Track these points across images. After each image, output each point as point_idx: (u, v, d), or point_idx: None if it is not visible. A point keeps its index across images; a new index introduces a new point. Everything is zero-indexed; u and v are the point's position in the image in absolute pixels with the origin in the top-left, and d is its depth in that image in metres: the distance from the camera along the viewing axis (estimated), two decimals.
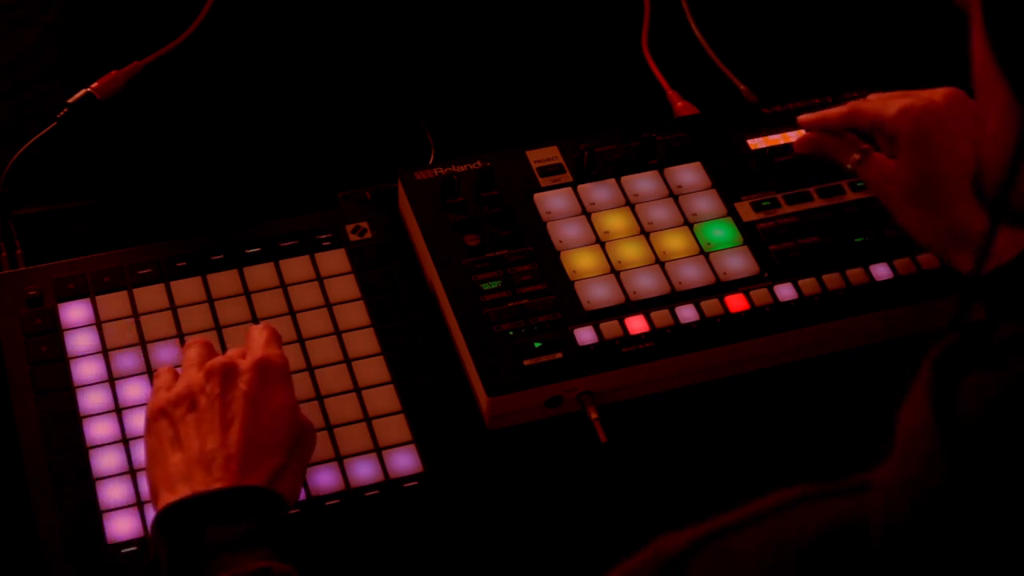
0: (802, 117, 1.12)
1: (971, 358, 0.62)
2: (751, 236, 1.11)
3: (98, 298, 1.07)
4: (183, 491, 0.88)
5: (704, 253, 1.10)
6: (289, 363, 0.96)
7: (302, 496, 0.98)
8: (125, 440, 1.00)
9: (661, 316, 1.06)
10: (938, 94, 1.04)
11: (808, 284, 1.08)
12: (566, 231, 1.10)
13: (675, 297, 1.07)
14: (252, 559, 0.84)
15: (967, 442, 0.59)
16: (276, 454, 0.91)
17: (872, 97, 1.07)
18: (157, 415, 0.93)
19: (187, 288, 1.08)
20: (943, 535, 0.59)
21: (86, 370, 1.04)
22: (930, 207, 1.02)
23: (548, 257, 1.08)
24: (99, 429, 1.01)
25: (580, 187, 1.13)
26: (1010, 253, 0.94)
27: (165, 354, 1.05)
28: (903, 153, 1.02)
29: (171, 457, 0.90)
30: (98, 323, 1.06)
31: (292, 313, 1.08)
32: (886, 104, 1.05)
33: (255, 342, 0.96)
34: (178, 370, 0.97)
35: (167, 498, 0.88)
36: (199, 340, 0.98)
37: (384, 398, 1.04)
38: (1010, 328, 0.63)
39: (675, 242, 1.10)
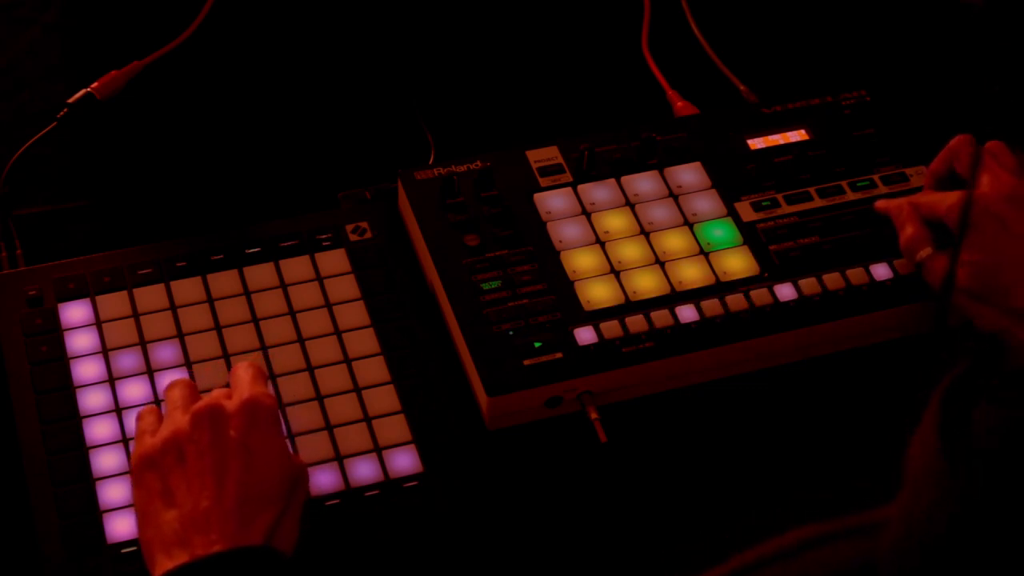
0: (878, 204, 1.11)
1: (980, 389, 0.61)
2: (751, 236, 1.11)
3: (98, 298, 1.07)
4: (181, 556, 0.84)
5: (704, 253, 1.10)
6: (277, 402, 0.91)
7: None
8: (125, 440, 1.00)
9: (661, 316, 1.06)
10: (986, 183, 1.02)
11: (808, 284, 1.08)
12: (566, 231, 1.10)
13: (675, 297, 1.07)
14: None
15: (978, 484, 0.58)
16: (273, 504, 0.87)
17: (927, 192, 1.07)
18: (144, 465, 0.89)
19: (187, 288, 1.08)
20: (958, 573, 0.59)
21: (86, 370, 1.04)
22: (994, 297, 0.99)
23: (548, 257, 1.08)
24: (99, 429, 1.01)
25: (580, 187, 1.13)
26: None
27: (165, 354, 1.05)
28: (964, 248, 1.00)
29: (164, 515, 0.86)
30: (98, 323, 1.06)
31: (292, 313, 1.08)
32: (943, 198, 1.04)
33: (240, 381, 0.92)
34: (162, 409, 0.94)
35: (165, 564, 0.84)
36: (181, 381, 0.94)
37: (384, 398, 1.04)
38: None
39: (675, 242, 1.10)
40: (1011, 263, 0.99)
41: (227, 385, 0.95)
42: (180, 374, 1.04)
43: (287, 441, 0.90)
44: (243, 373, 0.93)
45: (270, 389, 0.93)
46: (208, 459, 0.87)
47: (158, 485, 0.88)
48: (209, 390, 0.95)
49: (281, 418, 0.90)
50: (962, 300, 1.01)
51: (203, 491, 0.86)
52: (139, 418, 0.93)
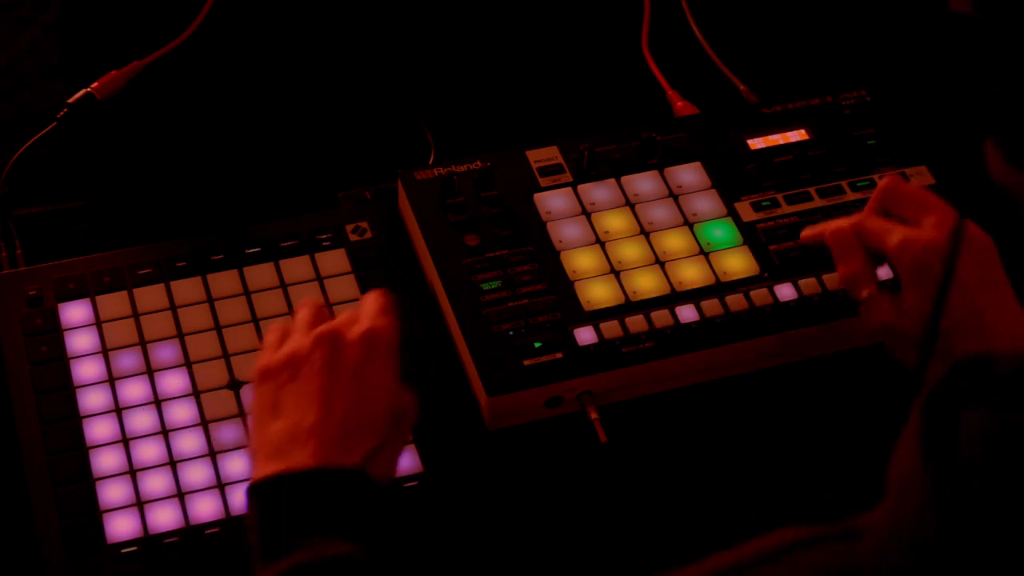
0: (805, 232, 1.07)
1: (964, 395, 0.60)
2: (751, 236, 1.11)
3: (98, 298, 1.07)
4: (277, 466, 0.86)
5: (704, 253, 1.10)
6: (397, 335, 0.92)
7: None
8: (125, 440, 1.00)
9: (661, 316, 1.06)
10: (943, 229, 0.98)
11: (808, 284, 1.08)
12: (566, 231, 1.10)
13: (675, 297, 1.07)
14: (333, 544, 0.82)
15: (961, 489, 0.57)
16: (374, 434, 0.88)
17: (873, 219, 1.01)
18: (262, 377, 0.91)
19: (187, 288, 1.08)
20: None
21: (86, 370, 1.04)
22: (936, 351, 0.98)
23: (548, 257, 1.08)
24: (99, 429, 1.01)
25: (580, 187, 1.13)
26: None
27: (165, 354, 1.05)
28: (905, 288, 0.98)
29: (271, 426, 0.89)
30: (98, 323, 1.06)
31: (292, 313, 1.07)
32: (888, 232, 0.99)
33: (367, 310, 0.93)
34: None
35: (261, 470, 0.87)
36: (311, 302, 0.96)
37: None
38: (1014, 361, 0.62)
39: (675, 242, 1.10)
40: (960, 317, 0.95)
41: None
42: (180, 374, 1.04)
43: (398, 376, 0.91)
44: (372, 302, 0.94)
45: (395, 320, 0.94)
46: (320, 380, 0.89)
47: (271, 398, 0.90)
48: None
49: (398, 349, 0.92)
50: (903, 349, 0.99)
51: (310, 409, 0.88)
52: (266, 332, 0.95)
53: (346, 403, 0.88)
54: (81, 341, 1.05)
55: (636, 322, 1.05)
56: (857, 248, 1.01)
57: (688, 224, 1.11)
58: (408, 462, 1.01)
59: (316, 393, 0.88)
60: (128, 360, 1.04)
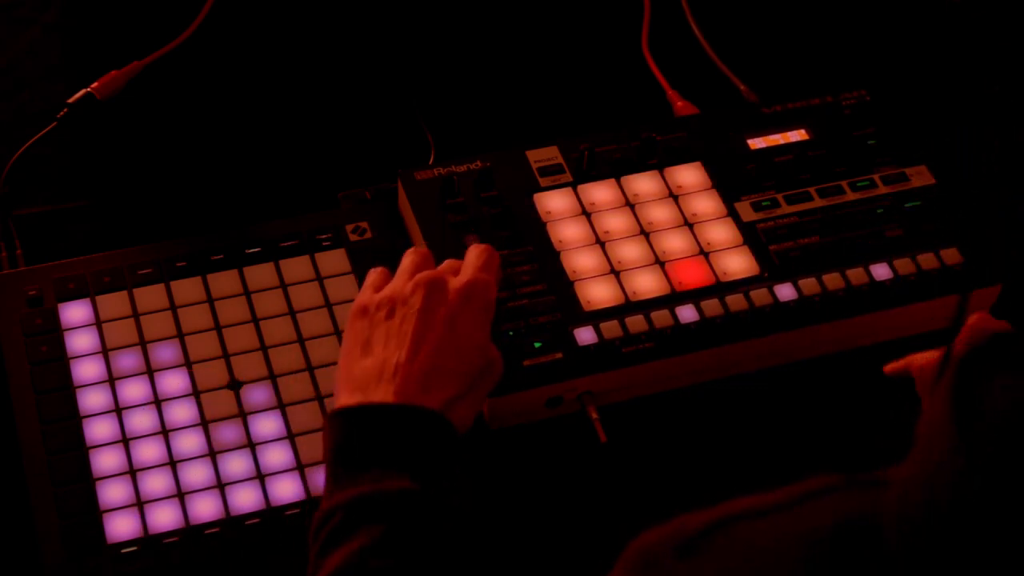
0: (889, 367, 1.02)
1: (998, 363, 0.61)
2: (751, 236, 1.11)
3: (98, 298, 1.07)
4: (358, 397, 0.89)
5: (704, 253, 1.10)
6: (495, 291, 0.96)
7: (300, 496, 0.99)
8: (125, 440, 1.00)
9: (661, 316, 1.06)
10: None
11: (808, 284, 1.08)
12: (566, 231, 1.10)
13: (675, 297, 1.07)
14: (400, 479, 0.84)
15: (987, 442, 0.58)
16: (457, 381, 0.90)
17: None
18: (358, 313, 0.94)
19: (187, 288, 1.08)
20: (956, 533, 0.59)
21: (86, 370, 1.04)
22: None
23: (548, 257, 1.08)
24: (99, 429, 1.01)
25: (580, 187, 1.13)
26: None
27: (165, 354, 1.05)
28: None
29: (359, 360, 0.91)
30: (98, 323, 1.06)
31: (292, 313, 1.08)
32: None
33: (471, 262, 0.96)
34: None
35: (344, 399, 0.90)
36: (420, 251, 0.98)
37: None
38: None
39: (675, 242, 1.10)
40: None
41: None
42: (180, 374, 1.04)
43: (489, 330, 0.94)
44: (474, 256, 0.97)
45: (498, 277, 0.97)
46: (413, 323, 0.91)
47: (363, 334, 0.93)
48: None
49: (494, 306, 0.95)
50: None
51: (399, 349, 0.90)
52: (369, 274, 0.98)
53: (435, 348, 0.91)
54: (81, 341, 1.05)
55: (636, 322, 1.05)
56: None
57: (688, 224, 1.11)
58: None
59: (408, 334, 0.91)
60: (128, 360, 1.04)
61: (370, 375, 0.90)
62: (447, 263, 0.97)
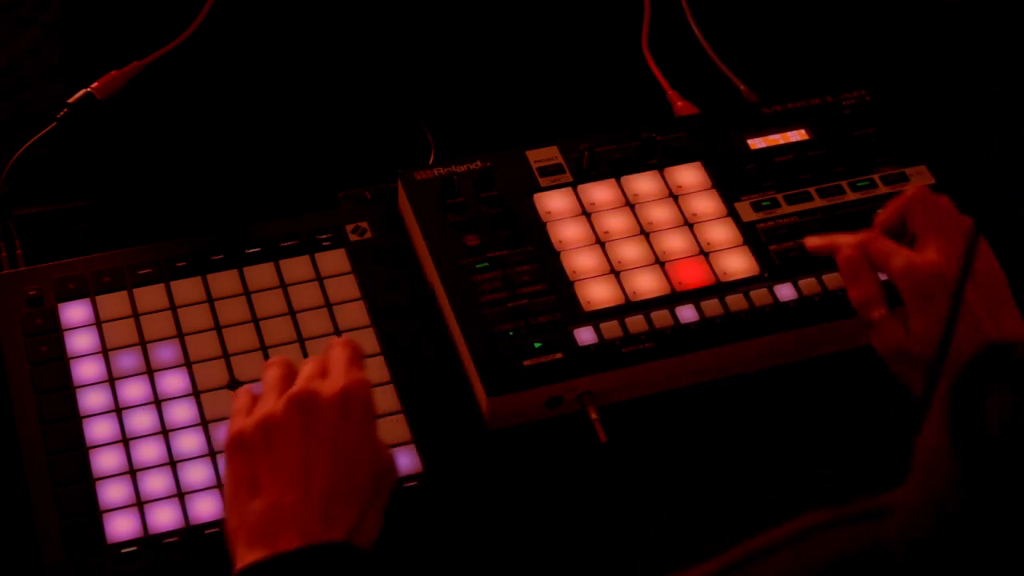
0: (811, 241, 1.04)
1: (994, 378, 0.60)
2: (751, 236, 1.11)
3: (98, 298, 1.07)
4: (262, 551, 0.83)
5: (704, 253, 1.10)
6: (371, 390, 0.89)
7: None
8: (125, 440, 1.00)
9: (661, 316, 1.06)
10: (948, 255, 0.96)
11: (808, 284, 1.08)
12: (566, 231, 1.10)
13: (675, 297, 1.07)
14: None
15: (987, 466, 0.57)
16: (357, 502, 0.85)
17: (879, 240, 0.99)
18: (235, 446, 0.87)
19: (187, 288, 1.08)
20: (969, 556, 0.59)
21: (86, 370, 1.04)
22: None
23: (548, 257, 1.08)
24: (99, 429, 1.01)
25: (580, 187, 1.13)
26: None
27: (165, 354, 1.05)
28: (911, 316, 0.96)
29: (249, 504, 0.85)
30: (98, 323, 1.06)
31: (292, 313, 1.08)
32: (893, 255, 0.97)
33: (337, 364, 0.90)
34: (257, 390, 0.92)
35: (246, 556, 0.83)
36: (279, 361, 0.92)
37: (384, 398, 1.04)
38: None
39: (675, 242, 1.10)
40: (963, 339, 0.94)
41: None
42: (180, 374, 1.04)
43: (378, 434, 0.89)
44: (339, 354, 0.91)
45: (366, 371, 0.91)
46: (297, 450, 0.85)
47: (247, 471, 0.86)
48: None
49: (374, 408, 0.89)
50: (909, 371, 0.97)
51: (290, 484, 0.84)
52: (235, 397, 0.92)
53: (327, 474, 0.85)
54: (81, 341, 1.05)
55: (636, 322, 1.05)
56: (867, 271, 0.99)
57: (688, 224, 1.11)
58: (408, 462, 1.01)
59: (295, 464, 0.85)
60: (128, 360, 1.04)
61: (267, 520, 0.84)
62: (311, 367, 0.90)
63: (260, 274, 1.10)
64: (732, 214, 1.12)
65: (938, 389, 0.61)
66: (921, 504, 0.61)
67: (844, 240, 1.00)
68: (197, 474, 0.99)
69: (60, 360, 1.04)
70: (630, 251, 1.09)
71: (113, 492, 0.98)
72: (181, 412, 1.02)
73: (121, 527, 0.97)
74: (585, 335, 1.04)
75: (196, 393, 1.03)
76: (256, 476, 0.86)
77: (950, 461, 0.58)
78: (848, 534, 0.64)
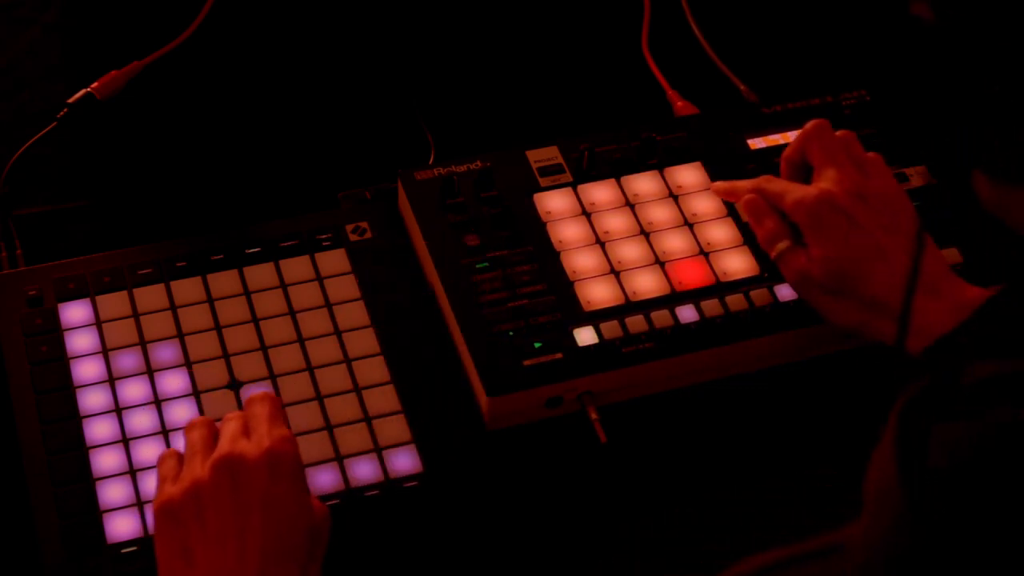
0: (715, 185, 1.12)
1: (940, 407, 0.59)
2: (751, 236, 1.11)
3: (98, 298, 1.07)
4: None
5: (704, 253, 1.10)
6: (297, 446, 0.88)
7: None
8: (125, 440, 1.00)
9: (661, 316, 1.06)
10: (832, 177, 1.03)
11: None
12: (566, 231, 1.10)
13: (675, 297, 1.07)
14: None
15: (937, 499, 0.56)
16: (295, 559, 0.84)
17: (772, 182, 1.07)
18: (165, 516, 0.86)
19: (187, 288, 1.08)
20: None
21: (86, 370, 1.04)
22: (848, 290, 1.01)
23: (548, 257, 1.08)
24: (99, 429, 1.01)
25: (580, 187, 1.13)
26: (947, 325, 0.94)
27: (165, 354, 1.05)
28: (809, 243, 1.03)
29: (185, 573, 0.84)
30: (98, 323, 1.06)
31: (292, 313, 1.08)
32: (785, 194, 1.05)
33: (259, 421, 0.89)
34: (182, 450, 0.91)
35: None
36: (200, 422, 0.91)
37: (384, 398, 1.04)
38: (987, 368, 0.61)
39: (675, 242, 1.10)
40: (862, 256, 1.00)
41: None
42: (180, 374, 1.04)
43: (308, 491, 0.87)
44: (260, 409, 0.90)
45: (287, 426, 0.90)
46: (229, 516, 0.84)
47: (179, 542, 0.85)
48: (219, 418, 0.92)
49: (301, 463, 0.87)
50: (818, 295, 1.03)
51: (225, 553, 0.83)
52: (160, 463, 0.91)
53: (261, 537, 0.83)
54: (81, 341, 1.05)
55: (636, 322, 1.05)
56: (767, 210, 1.06)
57: (688, 224, 1.11)
58: (408, 462, 1.01)
59: (228, 532, 0.83)
60: (128, 360, 1.04)
61: None
62: (232, 427, 0.88)
63: (260, 274, 1.10)
64: (732, 214, 1.12)
65: (886, 425, 0.60)
66: (871, 540, 0.59)
67: (743, 185, 1.09)
68: None
69: (60, 360, 1.04)
70: (630, 251, 1.09)
71: (113, 492, 0.98)
72: (181, 412, 1.02)
73: (121, 527, 0.97)
74: (585, 335, 1.04)
75: (196, 393, 1.03)
76: (189, 547, 0.84)
77: (899, 494, 0.57)
78: (802, 573, 0.63)
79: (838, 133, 1.07)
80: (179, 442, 1.00)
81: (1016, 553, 0.53)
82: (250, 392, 0.93)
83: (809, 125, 1.07)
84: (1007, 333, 0.79)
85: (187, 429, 0.91)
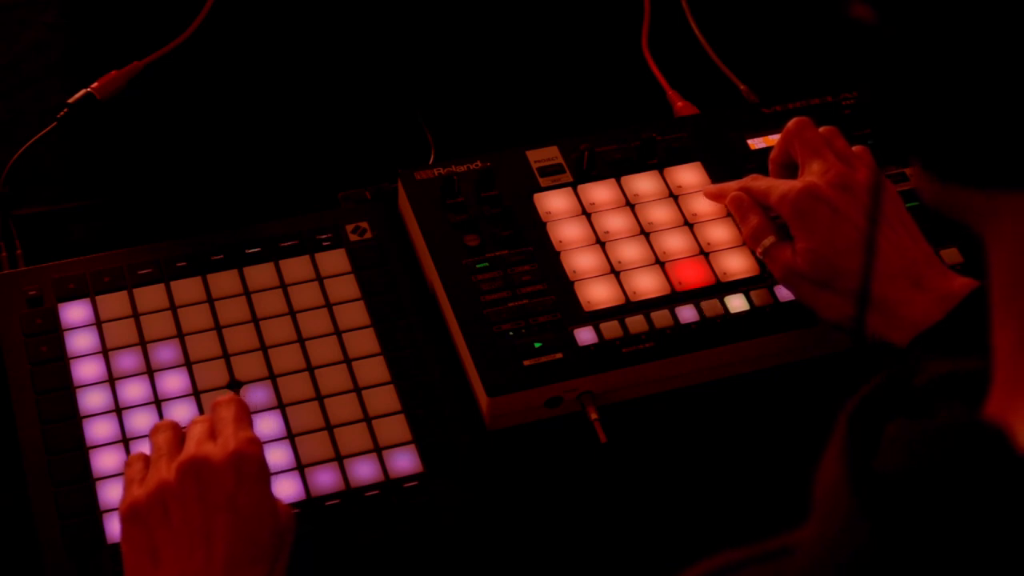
0: (706, 189, 1.12)
1: (892, 406, 0.59)
2: None
3: (98, 298, 1.07)
4: None
5: (704, 253, 1.10)
6: (262, 448, 0.89)
7: (301, 496, 0.99)
8: (125, 440, 1.00)
9: (661, 316, 1.06)
10: (816, 170, 1.03)
11: None
12: (566, 231, 1.10)
13: (675, 297, 1.07)
14: None
15: (887, 499, 0.54)
16: (261, 561, 0.85)
17: (757, 180, 1.08)
18: (131, 518, 0.87)
19: (187, 288, 1.08)
20: None
21: (86, 370, 1.04)
22: (834, 282, 1.01)
23: (548, 257, 1.08)
24: (99, 429, 1.01)
25: (580, 187, 1.13)
26: (933, 316, 0.94)
27: (165, 354, 1.05)
28: (795, 238, 1.03)
29: (152, 574, 0.84)
30: (98, 323, 1.06)
31: (292, 313, 1.08)
32: (770, 190, 1.05)
33: (225, 424, 0.89)
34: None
35: None
36: (165, 425, 0.92)
37: (384, 398, 1.04)
38: (942, 366, 0.61)
39: (675, 242, 1.10)
40: (847, 247, 1.00)
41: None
42: (180, 374, 1.04)
43: (272, 492, 0.88)
44: (226, 412, 0.90)
45: (254, 428, 0.90)
46: (195, 518, 0.85)
47: (146, 543, 0.86)
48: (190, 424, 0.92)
49: (267, 466, 0.88)
50: (806, 289, 1.03)
51: (191, 554, 0.84)
52: (127, 466, 0.91)
53: (227, 540, 0.84)
54: (81, 341, 1.05)
55: (636, 322, 1.05)
56: (752, 207, 1.07)
57: (688, 224, 1.11)
58: (408, 462, 1.01)
59: (195, 533, 0.84)
60: (128, 360, 1.04)
61: None
62: (199, 429, 0.89)
63: (260, 274, 1.10)
64: (732, 215, 1.12)
65: (836, 427, 0.59)
66: (818, 542, 0.58)
67: (730, 186, 1.10)
68: None
69: (60, 360, 1.04)
70: (630, 251, 1.09)
71: (113, 492, 0.98)
72: (181, 412, 1.02)
73: None
74: (585, 335, 1.04)
75: (196, 393, 1.03)
76: (156, 548, 0.85)
77: (846, 496, 0.56)
78: (755, 574, 0.62)
79: (821, 128, 1.07)
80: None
81: (964, 554, 0.53)
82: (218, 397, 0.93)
83: (790, 123, 1.07)
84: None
85: (153, 432, 0.92)
